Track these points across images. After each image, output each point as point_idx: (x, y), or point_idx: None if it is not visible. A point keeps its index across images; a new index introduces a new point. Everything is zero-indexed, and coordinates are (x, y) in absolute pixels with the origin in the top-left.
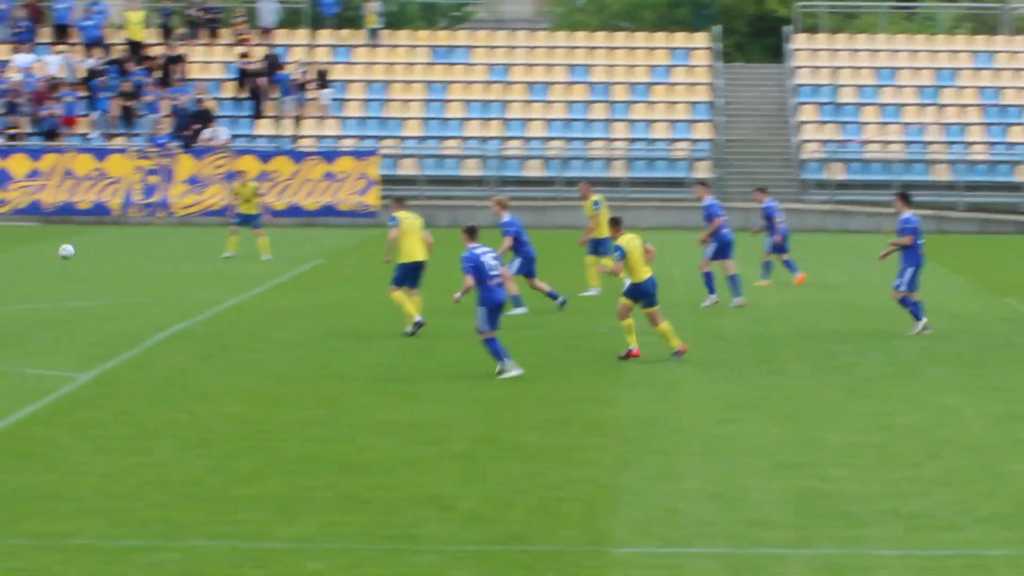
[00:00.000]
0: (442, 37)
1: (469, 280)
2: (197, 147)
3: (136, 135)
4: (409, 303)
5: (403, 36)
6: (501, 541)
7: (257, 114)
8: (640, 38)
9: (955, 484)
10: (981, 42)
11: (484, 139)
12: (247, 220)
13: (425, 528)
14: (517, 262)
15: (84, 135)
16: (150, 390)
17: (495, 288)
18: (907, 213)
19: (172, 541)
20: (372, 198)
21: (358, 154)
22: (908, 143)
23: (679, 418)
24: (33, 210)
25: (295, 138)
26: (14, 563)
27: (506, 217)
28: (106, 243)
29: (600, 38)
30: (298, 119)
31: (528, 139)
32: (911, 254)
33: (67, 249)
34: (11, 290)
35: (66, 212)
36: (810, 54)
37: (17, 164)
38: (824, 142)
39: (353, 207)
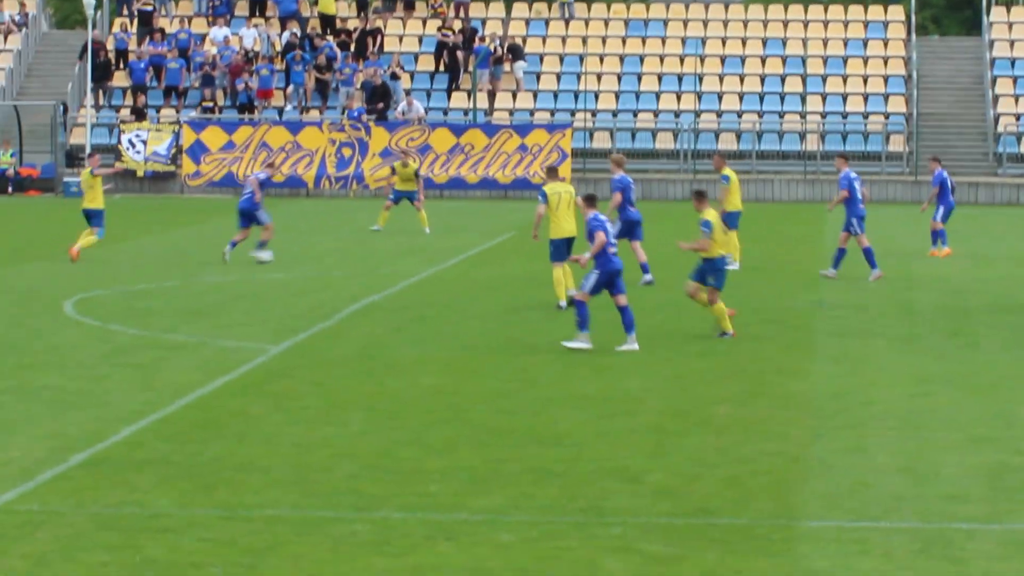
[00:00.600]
0: (636, 10)
1: (601, 236)
2: (392, 120)
3: (331, 108)
4: (564, 282)
5: (598, 9)
6: (690, 514)
7: (452, 87)
8: (835, 11)
9: None
10: None
11: (677, 113)
12: (404, 196)
13: (614, 501)
14: (617, 225)
15: (279, 108)
16: (343, 362)
17: (613, 257)
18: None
19: (363, 512)
20: (565, 171)
21: (551, 127)
22: None
23: (871, 392)
24: (228, 183)
25: (489, 111)
26: (206, 533)
27: (618, 175)
28: (300, 216)
29: (795, 11)
30: (492, 92)
31: (721, 112)
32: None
33: (265, 255)
34: (206, 263)
35: (261, 185)
36: (1007, 27)
37: (212, 136)
38: (1020, 116)
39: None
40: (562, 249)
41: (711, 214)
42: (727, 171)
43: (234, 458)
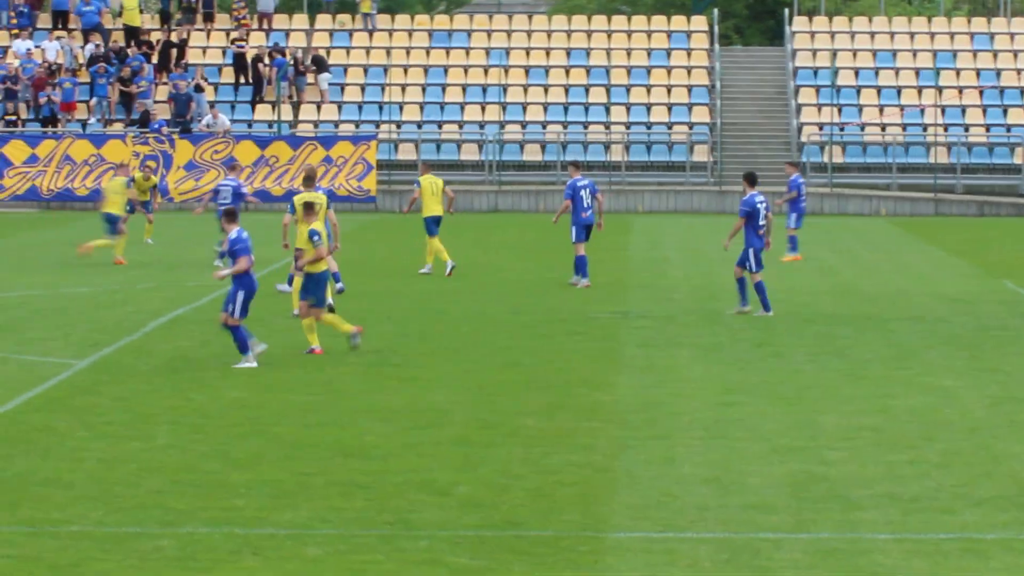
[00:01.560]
0: (440, 21)
1: (242, 261)
2: (195, 133)
3: (134, 121)
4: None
5: (401, 21)
6: (497, 526)
7: (255, 99)
8: (638, 22)
9: (953, 467)
10: (980, 24)
11: (482, 124)
12: (142, 206)
13: (422, 513)
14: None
15: (83, 121)
16: (148, 376)
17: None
18: (750, 193)
19: (169, 527)
20: (370, 183)
21: (356, 139)
22: (906, 126)
23: (677, 402)
24: (31, 196)
25: (293, 123)
26: (10, 550)
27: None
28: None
29: (598, 22)
30: (296, 104)
31: (526, 123)
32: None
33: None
34: (9, 277)
35: (64, 198)
36: (809, 37)
37: (15, 150)
38: (822, 125)
39: (351, 192)
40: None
41: (319, 225)
42: (420, 178)
43: (39, 474)
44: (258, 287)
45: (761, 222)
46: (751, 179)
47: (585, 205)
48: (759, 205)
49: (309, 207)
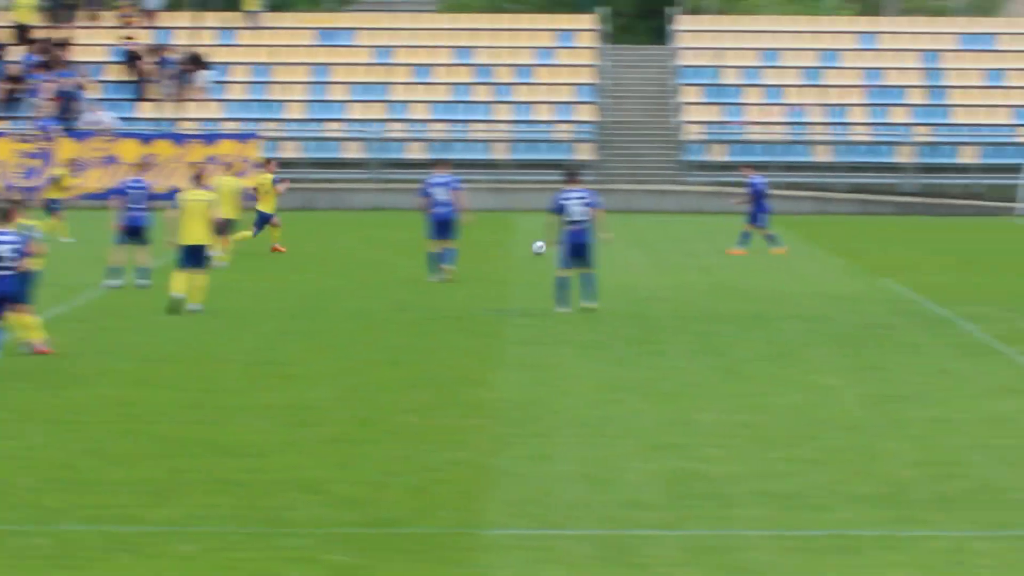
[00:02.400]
0: (326, 19)
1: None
2: (79, 130)
3: (19, 118)
4: (179, 282)
5: (287, 18)
6: (375, 524)
7: (139, 97)
8: (525, 19)
9: (829, 464)
10: (864, 23)
11: (367, 121)
12: (55, 203)
13: (298, 511)
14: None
15: None
16: (24, 374)
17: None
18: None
19: (43, 525)
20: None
21: (239, 137)
22: (790, 124)
23: (556, 400)
24: None
25: (176, 121)
26: None
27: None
28: None
29: (484, 20)
30: (180, 102)
31: (411, 121)
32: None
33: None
34: None
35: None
36: (694, 35)
37: None
38: (706, 123)
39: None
40: (187, 256)
41: (39, 222)
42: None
43: None
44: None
45: (575, 218)
46: (570, 175)
47: (439, 201)
48: (567, 201)
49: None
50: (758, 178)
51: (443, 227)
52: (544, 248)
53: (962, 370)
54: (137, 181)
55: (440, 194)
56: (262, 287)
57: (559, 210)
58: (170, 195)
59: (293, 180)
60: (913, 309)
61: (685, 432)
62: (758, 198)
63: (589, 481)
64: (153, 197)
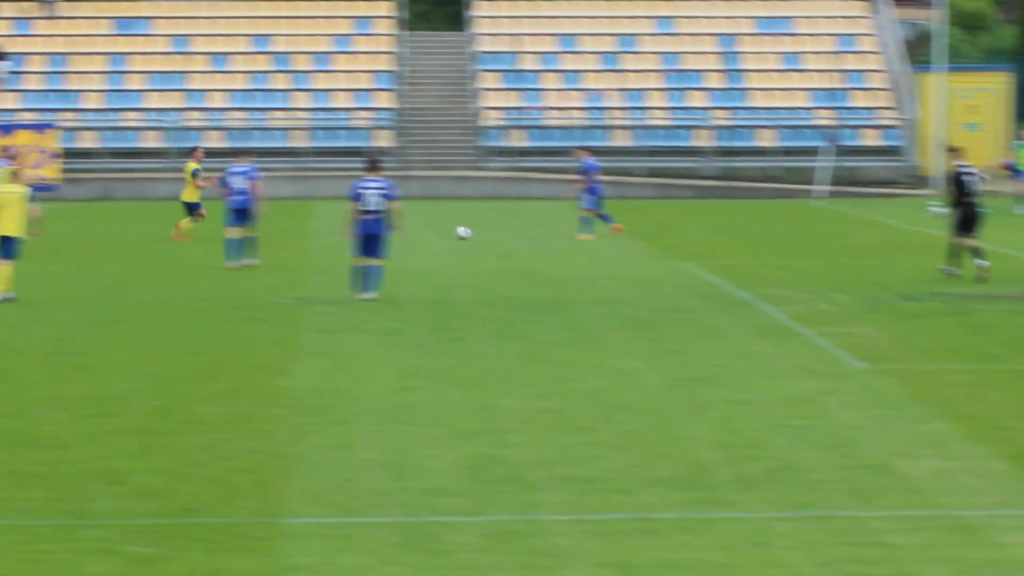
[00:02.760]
0: (123, 8)
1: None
2: None
3: None
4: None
5: (83, 7)
6: (175, 514)
7: None
8: (323, 7)
9: (630, 448)
10: (662, 8)
11: (165, 111)
12: None
13: (98, 503)
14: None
15: None
16: None
17: None
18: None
19: None
20: (51, 172)
21: (36, 127)
22: (589, 109)
23: (356, 388)
24: None
25: None
26: None
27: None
28: None
29: (283, 7)
30: None
31: (209, 110)
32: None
33: (463, 231)
34: None
35: None
36: (492, 21)
37: None
38: (505, 109)
39: (32, 181)
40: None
41: None
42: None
43: None
44: None
45: (370, 208)
46: (371, 164)
47: (237, 190)
48: (365, 191)
49: None
50: (591, 160)
51: (241, 216)
52: (468, 233)
53: (761, 352)
54: None
55: (238, 183)
56: (60, 277)
57: (355, 199)
58: None
59: (91, 170)
60: (712, 292)
61: (487, 418)
62: (591, 180)
63: (390, 468)
64: None
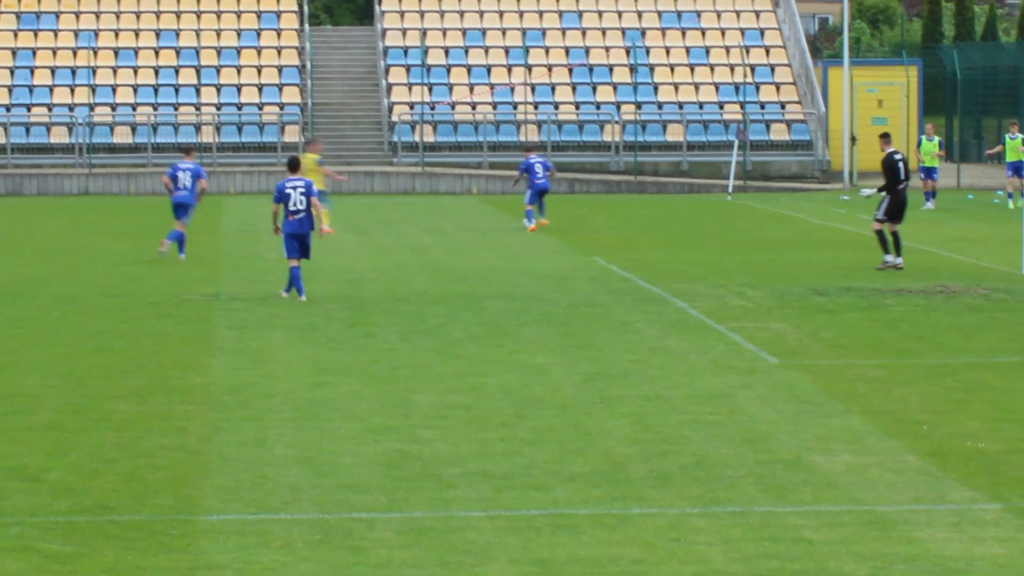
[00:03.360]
0: (27, 3)
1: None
2: None
3: None
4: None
5: None
6: (90, 512)
7: None
8: (227, 2)
9: (544, 443)
10: (568, 2)
11: (72, 106)
12: None
13: (11, 500)
14: None
15: None
16: None
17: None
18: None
19: None
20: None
21: None
22: (497, 104)
23: (270, 384)
24: None
25: None
26: None
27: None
28: None
29: (186, 2)
30: None
31: (116, 106)
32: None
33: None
34: None
35: None
36: (399, 16)
37: None
38: (413, 105)
39: None
40: None
41: None
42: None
43: None
44: None
45: (296, 207)
46: (291, 164)
47: (180, 186)
48: (289, 190)
49: None
50: (534, 157)
51: (180, 211)
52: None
53: (674, 347)
54: None
55: (184, 179)
56: None
57: (282, 199)
58: None
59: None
60: (624, 287)
61: (400, 414)
62: (531, 176)
63: (305, 465)
64: None
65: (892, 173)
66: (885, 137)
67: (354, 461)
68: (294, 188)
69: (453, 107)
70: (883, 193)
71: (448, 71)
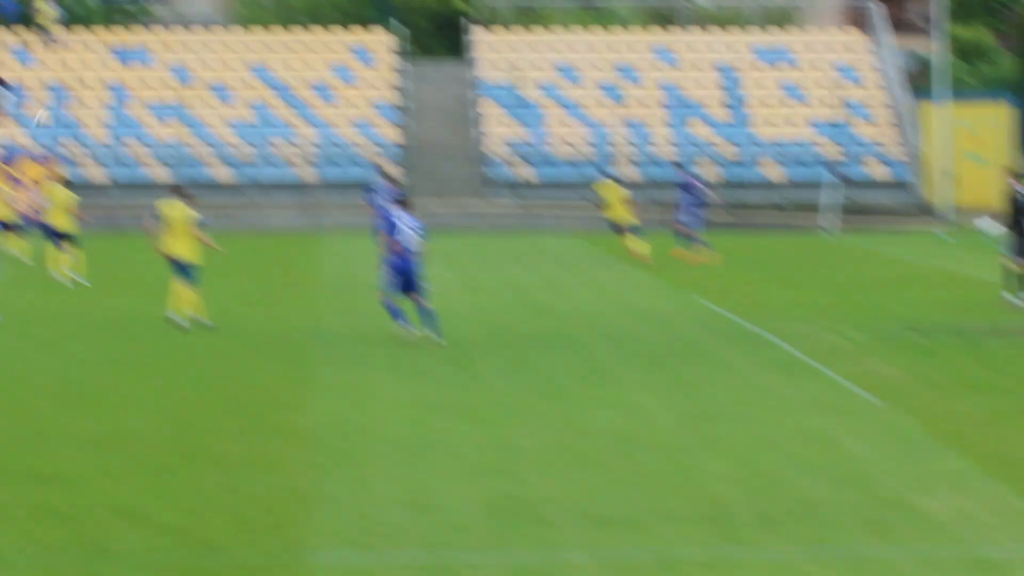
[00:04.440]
0: (124, 38)
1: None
2: None
3: None
4: (176, 295)
5: (86, 37)
6: (197, 552)
7: None
8: (324, 35)
9: (647, 484)
10: (662, 37)
11: (169, 142)
12: None
13: (120, 541)
14: None
15: None
16: None
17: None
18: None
19: None
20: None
21: (37, 157)
22: (592, 139)
23: (372, 423)
24: None
25: None
26: None
27: None
28: None
29: (281, 36)
30: None
31: (210, 140)
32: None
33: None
34: None
35: None
36: (491, 49)
37: None
38: (507, 139)
39: (31, 209)
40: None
41: None
42: None
43: None
44: None
45: (407, 245)
46: (401, 200)
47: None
48: (400, 225)
49: None
50: (691, 178)
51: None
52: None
53: (775, 387)
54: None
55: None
56: (69, 309)
57: (391, 230)
58: None
59: (94, 203)
60: (724, 326)
61: (504, 454)
62: (689, 200)
63: (409, 505)
64: None
65: (1016, 209)
66: (1012, 172)
67: (457, 502)
68: (407, 226)
69: (548, 142)
70: (1008, 231)
71: (541, 105)
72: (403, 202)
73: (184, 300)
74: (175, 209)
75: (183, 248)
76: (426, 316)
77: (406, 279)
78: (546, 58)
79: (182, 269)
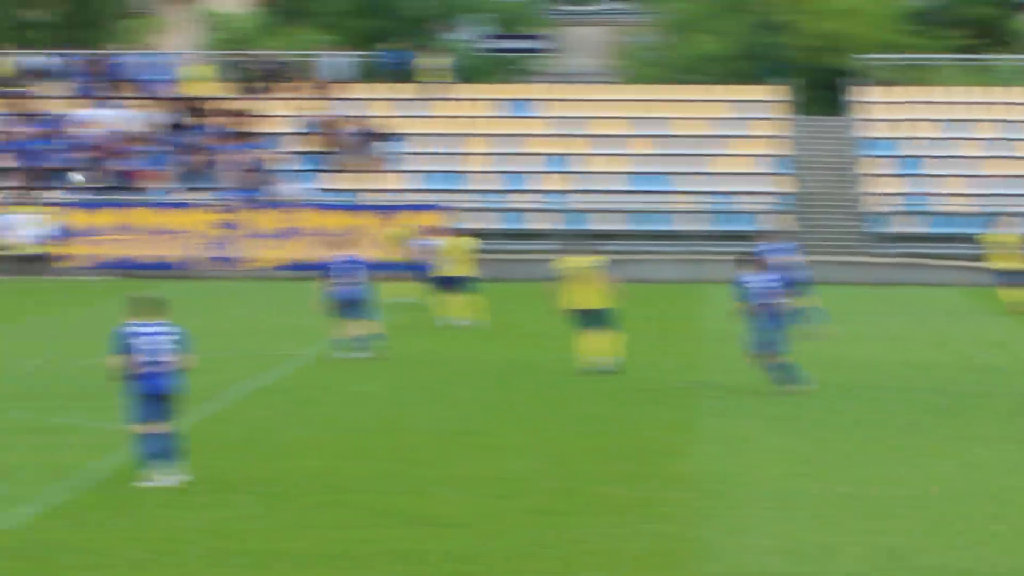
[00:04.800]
0: (511, 91)
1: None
2: (267, 201)
3: (206, 189)
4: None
5: (471, 90)
6: None
7: (329, 168)
8: (710, 91)
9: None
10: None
11: (551, 192)
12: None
13: None
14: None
15: (155, 189)
16: (230, 444)
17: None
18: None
19: None
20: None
21: (423, 208)
22: (976, 195)
23: (751, 472)
24: (113, 265)
25: (367, 192)
26: None
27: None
28: (176, 298)
29: (669, 90)
30: (371, 173)
31: (595, 192)
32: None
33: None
34: (86, 344)
35: (133, 267)
36: (873, 107)
37: (93, 218)
38: (889, 194)
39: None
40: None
41: None
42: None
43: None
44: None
45: (767, 301)
46: (759, 263)
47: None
48: (759, 287)
49: None
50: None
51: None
52: None
53: None
54: (345, 256)
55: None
56: (454, 355)
57: (752, 298)
58: (379, 265)
59: (485, 251)
60: None
61: (875, 507)
62: None
63: (786, 554)
64: (365, 269)
65: None
66: None
67: (831, 551)
68: (768, 287)
69: (929, 198)
70: None
71: (923, 161)
72: (760, 263)
73: (598, 348)
74: (578, 262)
75: (592, 299)
76: (782, 371)
77: (769, 335)
78: (929, 115)
79: (595, 318)
